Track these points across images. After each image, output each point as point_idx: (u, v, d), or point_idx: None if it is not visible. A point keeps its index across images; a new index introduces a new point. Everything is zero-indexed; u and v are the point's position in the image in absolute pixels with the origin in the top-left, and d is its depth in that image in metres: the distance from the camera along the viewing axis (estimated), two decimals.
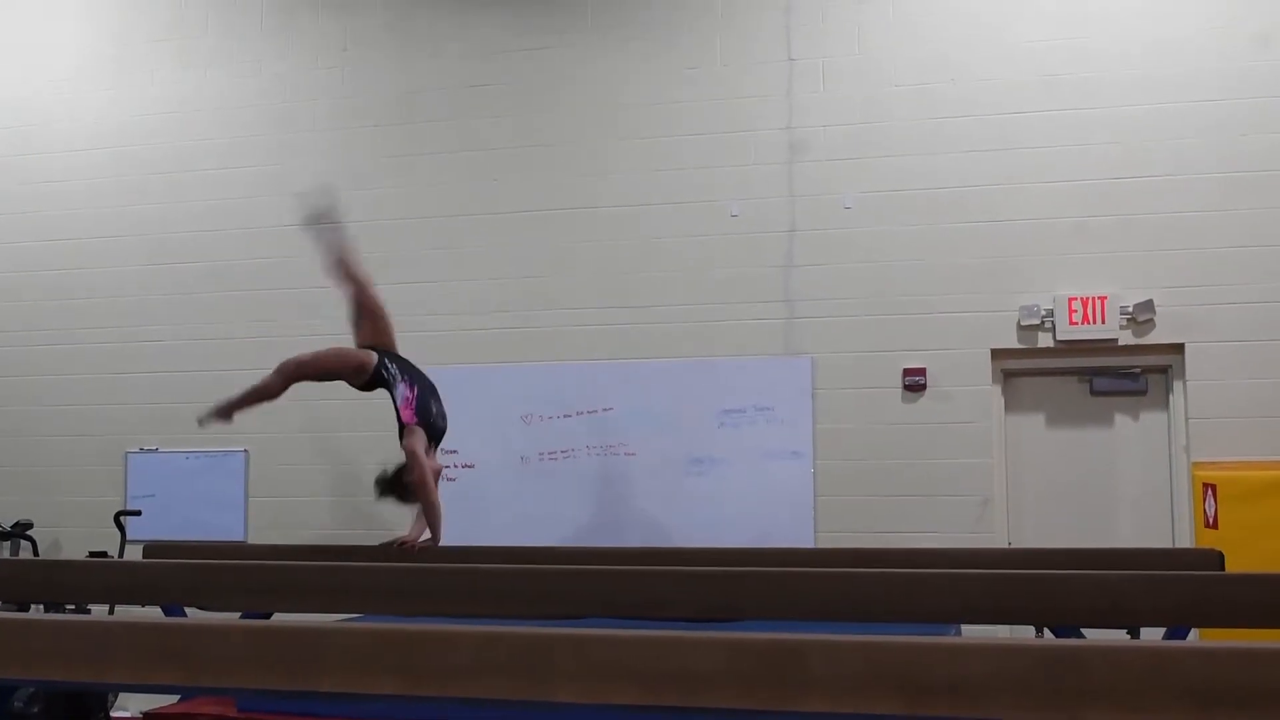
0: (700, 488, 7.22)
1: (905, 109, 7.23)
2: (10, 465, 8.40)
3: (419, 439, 5.20)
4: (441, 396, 5.47)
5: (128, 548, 7.65)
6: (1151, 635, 3.58)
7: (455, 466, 7.38)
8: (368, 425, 7.11)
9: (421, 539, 5.25)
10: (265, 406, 7.91)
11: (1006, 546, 6.64)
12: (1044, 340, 6.97)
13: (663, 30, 7.66)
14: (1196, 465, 6.69)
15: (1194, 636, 4.11)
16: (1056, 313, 6.91)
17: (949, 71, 7.20)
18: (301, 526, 7.56)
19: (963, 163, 7.11)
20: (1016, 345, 7.01)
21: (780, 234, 7.33)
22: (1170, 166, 6.86)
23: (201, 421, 5.60)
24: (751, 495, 7.12)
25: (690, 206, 7.47)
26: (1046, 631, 3.84)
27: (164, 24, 8.50)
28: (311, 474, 7.82)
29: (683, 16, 7.64)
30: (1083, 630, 3.56)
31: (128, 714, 5.86)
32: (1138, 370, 6.99)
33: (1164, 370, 6.96)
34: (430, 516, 5.23)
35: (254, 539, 7.76)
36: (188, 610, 4.07)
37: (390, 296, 7.38)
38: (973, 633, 3.87)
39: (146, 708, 4.26)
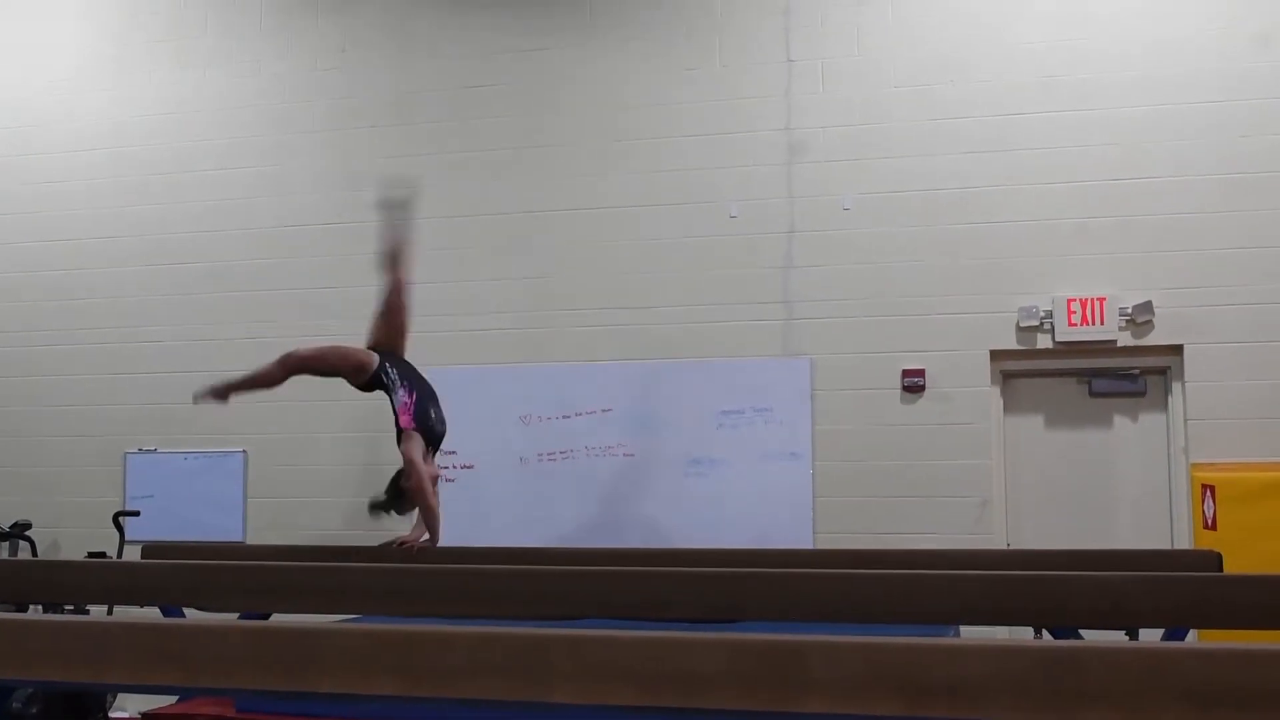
0: (699, 489, 7.22)
1: (904, 110, 7.23)
2: (9, 465, 8.40)
3: (416, 444, 5.20)
4: (441, 397, 5.47)
5: (126, 548, 7.64)
6: (1150, 636, 3.59)
7: (454, 467, 7.38)
8: (366, 426, 7.12)
9: (420, 540, 5.25)
10: (264, 407, 7.97)
11: (1005, 548, 6.64)
12: (1043, 341, 6.97)
13: (662, 31, 7.67)
14: (1195, 466, 6.69)
15: (1192, 638, 4.12)
16: (1055, 314, 6.91)
17: (948, 72, 7.20)
18: (300, 527, 7.55)
19: (962, 164, 7.11)
20: (1015, 346, 7.01)
21: (779, 235, 7.33)
22: (1170, 167, 6.86)
23: (197, 398, 5.61)
24: (750, 496, 7.12)
25: (689, 207, 7.47)
26: (1045, 633, 3.84)
27: (163, 24, 8.50)
28: (310, 475, 7.82)
29: (682, 18, 7.64)
30: (1081, 631, 3.56)
31: (126, 714, 5.87)
32: (1136, 371, 6.99)
33: (1163, 371, 6.96)
34: (428, 520, 5.24)
35: (252, 540, 7.75)
36: (186, 611, 4.07)
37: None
38: (971, 634, 3.86)
39: (145, 708, 4.26)
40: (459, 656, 2.04)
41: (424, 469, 5.17)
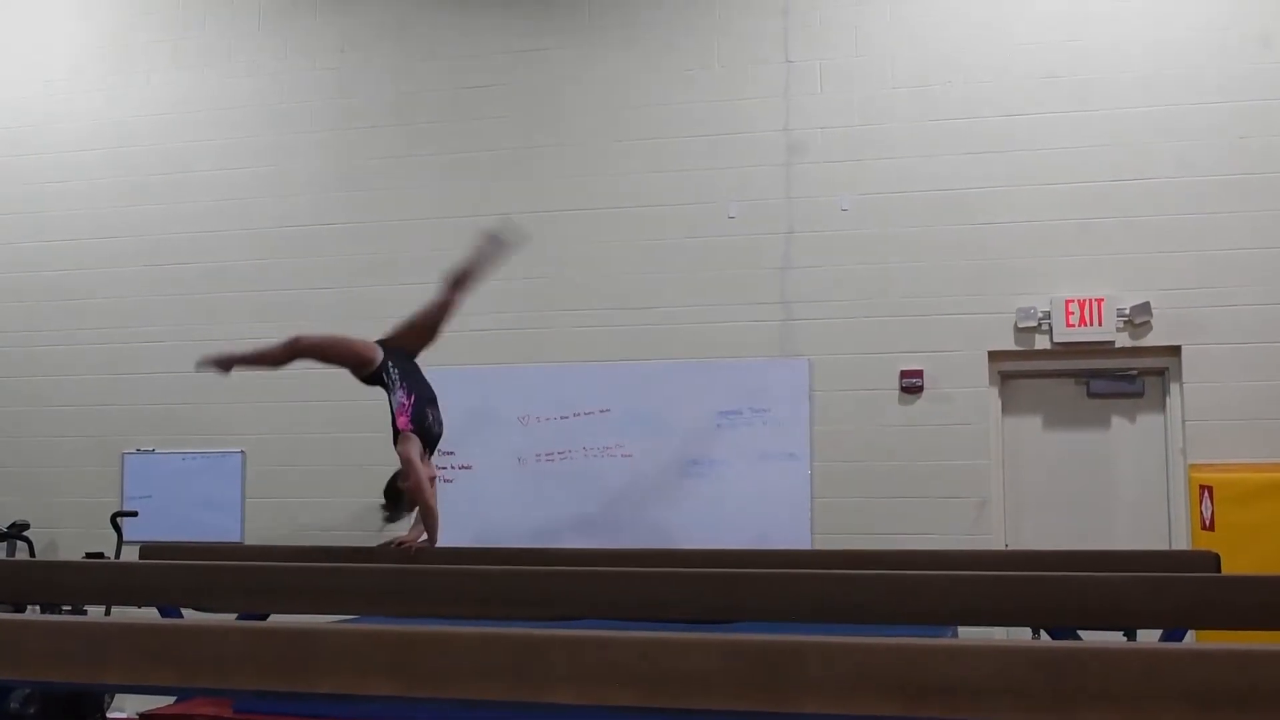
0: (697, 489, 7.22)
1: (903, 110, 7.23)
2: (7, 465, 8.40)
3: (414, 445, 5.20)
4: (440, 397, 5.47)
5: (124, 549, 7.64)
6: (1148, 637, 3.59)
7: (453, 468, 7.38)
8: (365, 427, 7.11)
9: (418, 540, 5.25)
10: (262, 407, 7.99)
11: (1003, 548, 6.64)
12: (1041, 342, 6.97)
13: (661, 32, 7.66)
14: (1193, 467, 6.69)
15: (1190, 638, 4.12)
16: (1054, 315, 6.91)
17: (947, 73, 7.20)
18: (298, 528, 7.56)
19: (960, 164, 7.11)
20: (1014, 347, 7.02)
21: (778, 235, 7.33)
22: (1169, 168, 6.86)
23: (199, 365, 5.62)
24: (748, 497, 7.12)
25: (688, 208, 7.47)
26: (1043, 633, 3.84)
27: (161, 24, 8.50)
28: (308, 475, 7.82)
29: (681, 19, 7.64)
30: (1079, 632, 3.56)
31: (124, 714, 5.87)
32: (1135, 372, 7.00)
33: (1161, 372, 6.96)
34: (426, 520, 5.24)
35: (250, 540, 7.75)
36: (184, 611, 4.06)
37: (388, 297, 7.43)
38: (970, 634, 3.86)
39: (143, 708, 4.26)
40: (457, 657, 2.04)
41: (422, 469, 5.17)
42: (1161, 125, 6.90)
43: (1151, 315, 6.81)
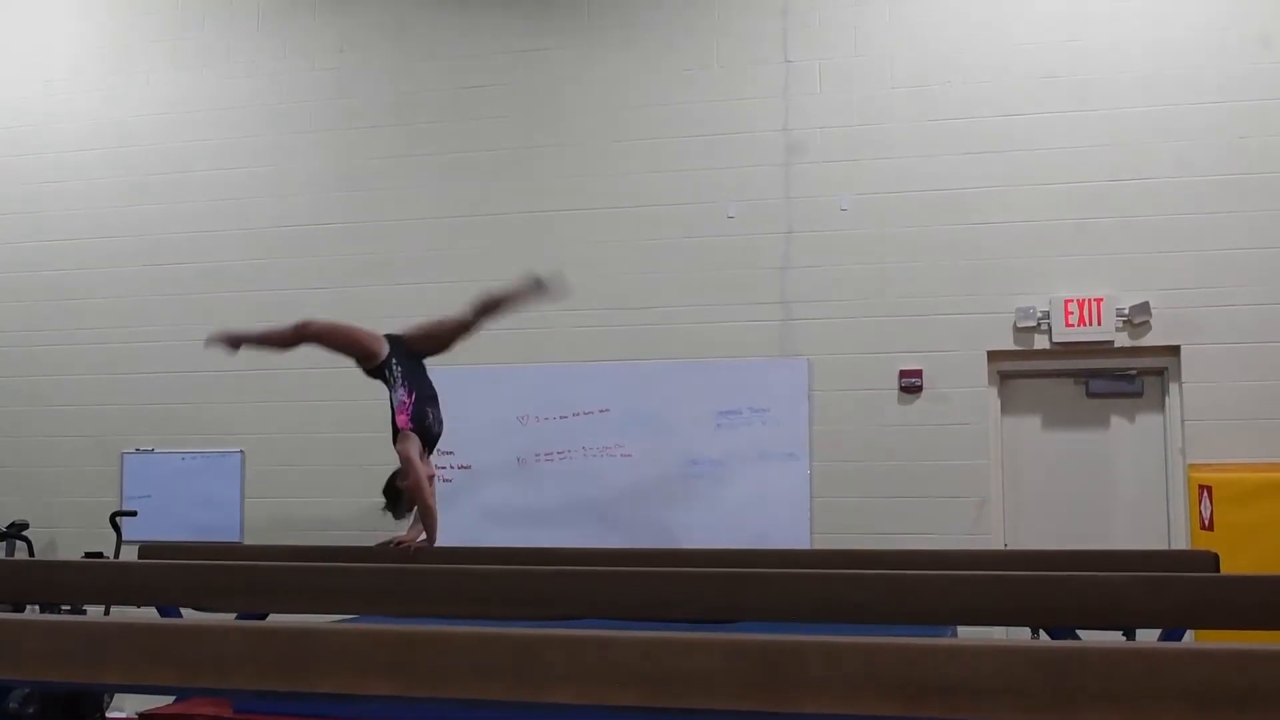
0: (697, 489, 7.22)
1: (902, 110, 7.23)
2: (6, 465, 8.40)
3: (413, 444, 5.20)
4: (439, 396, 5.47)
5: (123, 548, 7.64)
6: (1147, 637, 3.59)
7: (452, 467, 7.38)
8: (364, 426, 7.11)
9: (417, 540, 5.25)
10: (261, 407, 7.99)
11: (1003, 548, 6.64)
12: (1040, 342, 6.97)
13: (660, 32, 7.66)
14: (1192, 467, 6.69)
15: (1189, 638, 4.12)
16: (1053, 314, 6.91)
17: (946, 73, 7.20)
18: (297, 527, 7.55)
19: (959, 164, 7.11)
20: (1013, 347, 7.02)
21: (777, 235, 7.33)
22: (1168, 168, 6.87)
23: (209, 341, 5.63)
24: (748, 497, 7.12)
25: (687, 208, 7.47)
26: (1043, 633, 3.84)
27: (160, 24, 8.50)
28: (307, 475, 7.82)
29: (680, 19, 7.64)
30: (1079, 632, 3.56)
31: (123, 714, 5.87)
32: (1134, 372, 7.00)
33: (1160, 372, 6.96)
34: (426, 519, 5.24)
35: (249, 540, 7.74)
36: (183, 611, 4.06)
37: (386, 297, 7.45)
38: (969, 634, 3.86)
39: (142, 708, 4.26)
40: (456, 657, 2.04)
41: (421, 468, 5.18)
42: (1161, 125, 6.90)
43: (1151, 315, 6.82)
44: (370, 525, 5.71)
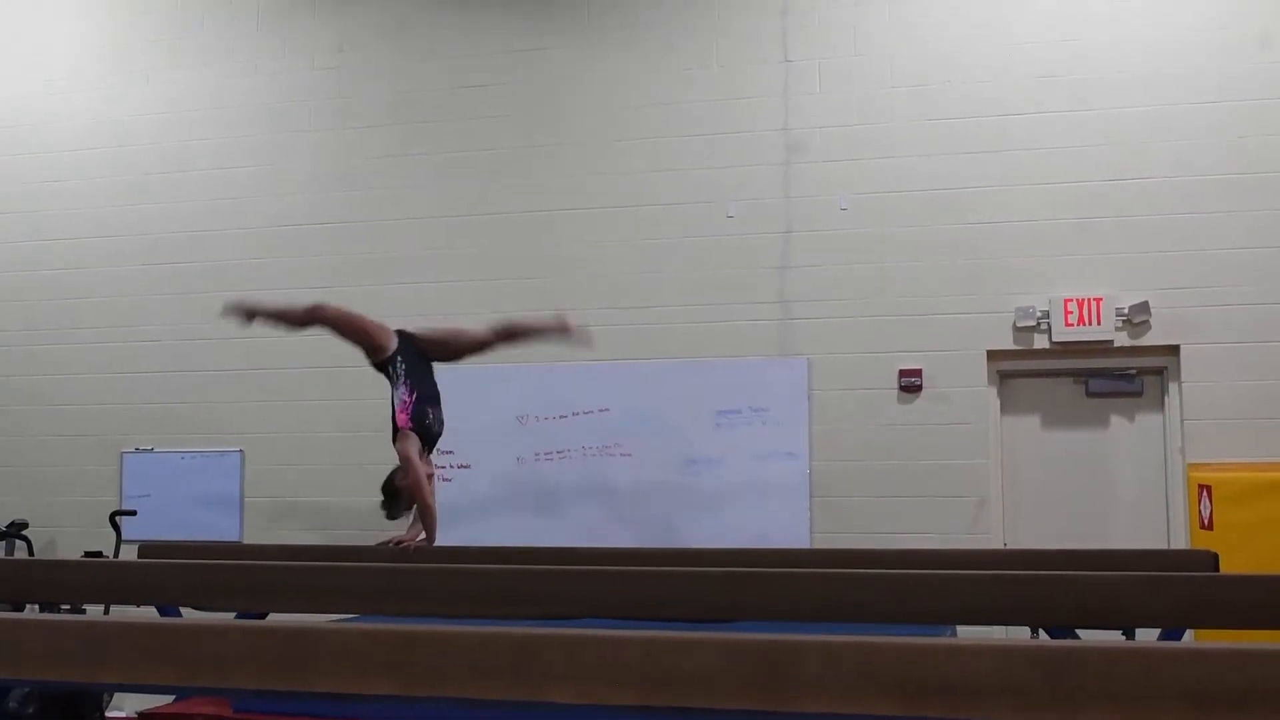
0: (696, 488, 7.22)
1: (902, 110, 7.23)
2: (6, 464, 8.40)
3: (412, 443, 5.20)
4: (441, 397, 5.47)
5: (123, 548, 7.64)
6: (1146, 636, 3.59)
7: (451, 467, 7.38)
8: (363, 426, 7.11)
9: (417, 539, 5.25)
10: (261, 406, 7.98)
11: (1002, 547, 6.65)
12: (1040, 341, 6.98)
13: (660, 32, 7.67)
14: (1192, 466, 6.70)
15: (1189, 637, 4.12)
16: (1052, 314, 6.91)
17: (946, 72, 7.20)
18: (296, 527, 7.56)
19: (959, 164, 7.12)
20: (1012, 346, 7.02)
21: (776, 235, 7.34)
22: (1168, 168, 6.87)
23: (226, 309, 5.67)
24: (747, 496, 7.12)
25: (687, 207, 7.47)
26: (1042, 632, 3.84)
27: (159, 24, 8.50)
28: (306, 474, 7.82)
29: (680, 19, 7.64)
30: (1078, 631, 3.56)
31: (123, 714, 5.86)
32: (1133, 372, 7.00)
33: (1159, 372, 6.96)
34: (425, 518, 5.25)
35: (249, 539, 7.75)
36: (183, 610, 4.06)
37: (385, 297, 7.43)
38: (968, 634, 3.86)
39: (142, 708, 4.26)
40: (455, 656, 2.04)
41: (420, 467, 5.18)
42: (1160, 125, 6.90)
43: (1150, 315, 6.82)
44: (370, 524, 5.71)
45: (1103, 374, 7.02)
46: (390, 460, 5.41)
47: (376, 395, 5.59)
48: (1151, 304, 6.81)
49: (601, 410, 7.40)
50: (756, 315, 7.31)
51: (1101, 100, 6.98)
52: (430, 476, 5.42)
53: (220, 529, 7.89)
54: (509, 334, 5.71)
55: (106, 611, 5.85)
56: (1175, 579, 3.66)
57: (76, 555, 7.56)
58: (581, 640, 2.01)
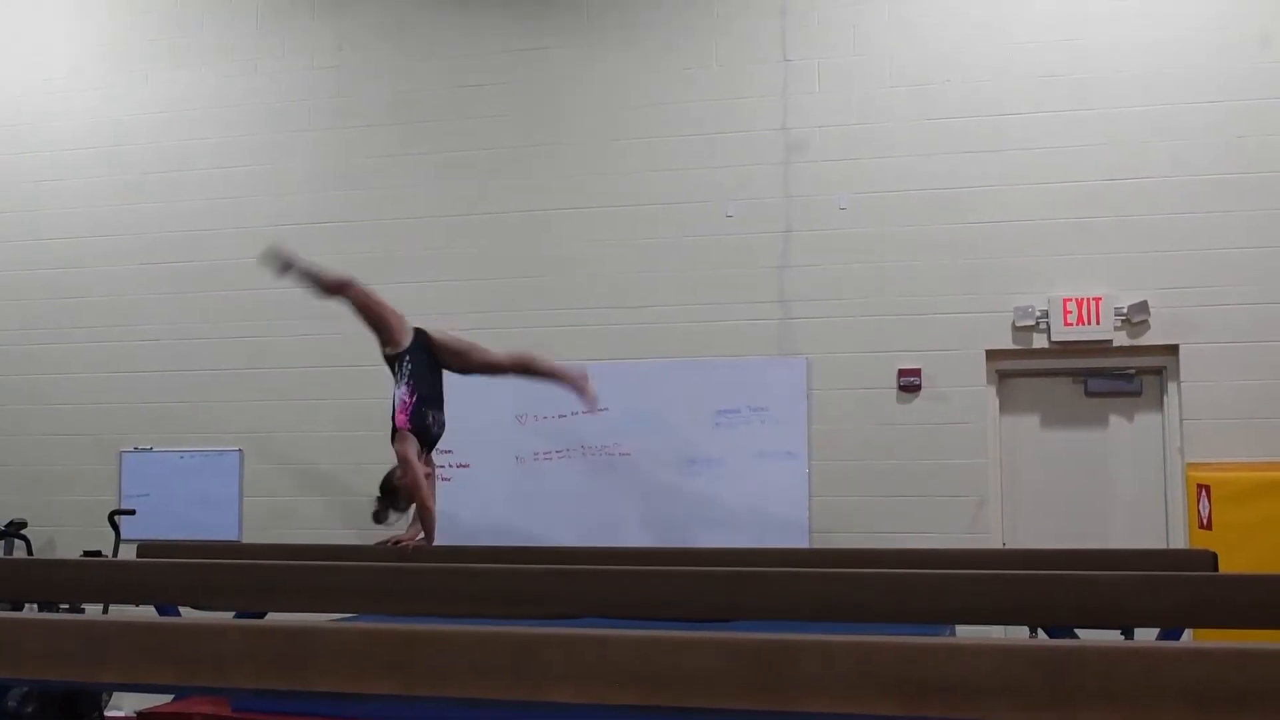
0: (695, 488, 7.21)
1: (901, 109, 7.23)
2: (5, 464, 8.39)
3: (411, 444, 5.20)
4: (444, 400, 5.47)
5: (122, 547, 7.64)
6: (1146, 636, 3.59)
7: (450, 466, 7.37)
8: (362, 425, 7.12)
9: (416, 539, 5.25)
10: (260, 406, 7.98)
11: (1001, 547, 6.65)
12: (1039, 341, 6.98)
13: (660, 32, 7.66)
14: (1191, 466, 6.70)
15: (1188, 637, 4.12)
16: (1051, 314, 6.91)
17: (945, 72, 7.20)
18: (295, 526, 7.55)
19: (958, 163, 7.11)
20: (1011, 346, 7.02)
21: (776, 234, 7.33)
22: (1167, 167, 6.87)
23: (262, 256, 5.64)
24: (746, 495, 7.12)
25: (686, 207, 7.47)
26: (1041, 632, 3.84)
27: (158, 23, 8.49)
28: (305, 474, 7.82)
29: (680, 18, 7.64)
30: (1077, 631, 3.56)
31: (122, 713, 5.86)
32: (1132, 371, 7.00)
33: (1159, 371, 6.96)
34: (424, 518, 5.24)
35: (248, 538, 7.75)
36: (182, 610, 4.06)
37: (385, 296, 7.41)
38: (968, 633, 3.87)
39: (141, 707, 4.26)
40: (455, 656, 2.04)
41: (418, 467, 5.17)
42: (1159, 124, 6.90)
43: (1149, 314, 6.82)
44: (368, 524, 5.69)
45: (1102, 374, 7.02)
46: (390, 459, 5.41)
47: (375, 395, 5.60)
48: (1150, 304, 6.81)
49: (601, 410, 7.38)
50: (756, 315, 7.31)
51: (1101, 100, 6.98)
52: (430, 477, 5.42)
53: (219, 528, 7.88)
54: (525, 368, 5.72)
55: (105, 611, 5.84)
56: (1174, 579, 3.67)
57: (75, 554, 7.56)
58: (581, 640, 2.01)
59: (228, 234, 8.13)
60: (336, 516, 7.52)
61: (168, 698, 4.11)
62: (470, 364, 5.61)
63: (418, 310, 7.44)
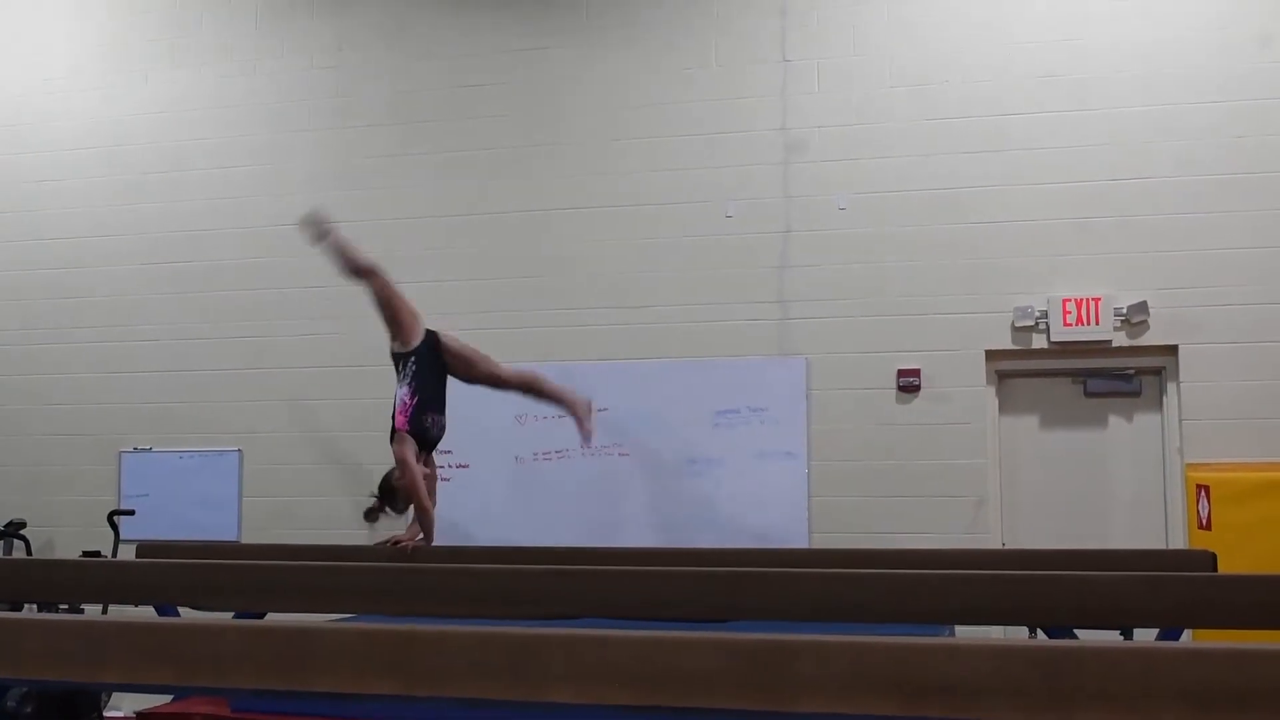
0: (695, 488, 7.21)
1: (900, 110, 7.23)
2: (4, 464, 8.39)
3: (409, 445, 5.19)
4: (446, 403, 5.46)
5: (121, 547, 7.64)
6: (1145, 636, 3.59)
7: (450, 466, 7.37)
8: (362, 425, 7.12)
9: (415, 539, 5.24)
10: (259, 406, 7.97)
11: (1001, 547, 6.65)
12: (1038, 341, 6.98)
13: (660, 31, 7.66)
14: (1190, 466, 6.70)
15: (1187, 637, 4.12)
16: (1051, 314, 6.91)
17: (944, 72, 7.20)
18: (295, 526, 7.55)
19: (957, 163, 7.12)
20: (1011, 346, 7.02)
21: (775, 234, 7.33)
22: (1167, 168, 6.87)
23: (302, 220, 5.65)
24: (746, 496, 7.12)
25: (685, 207, 7.47)
26: (1040, 632, 3.84)
27: (159, 23, 8.49)
28: (304, 474, 7.81)
29: (679, 18, 7.64)
30: (1076, 631, 3.56)
31: (121, 713, 5.86)
32: (1132, 372, 7.00)
33: (1158, 372, 6.96)
34: (422, 519, 5.23)
35: (247, 539, 7.74)
36: (181, 610, 4.06)
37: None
38: (967, 634, 3.87)
39: (140, 707, 4.26)
40: (454, 656, 2.04)
41: (416, 468, 5.16)
42: (1159, 125, 6.90)
43: (1149, 315, 6.82)
44: (367, 525, 5.69)
45: (1101, 374, 7.02)
46: (387, 460, 5.40)
47: (374, 395, 5.59)
48: (1150, 304, 6.81)
49: (600, 410, 7.36)
50: (755, 315, 7.31)
51: (1101, 100, 6.98)
52: (430, 478, 5.41)
53: (218, 529, 7.88)
54: (530, 388, 5.71)
55: (105, 611, 5.84)
56: (1173, 579, 3.67)
57: (74, 555, 7.56)
58: (580, 640, 2.01)
59: (228, 234, 8.14)
60: (335, 517, 7.52)
61: (167, 698, 4.11)
62: (476, 374, 5.59)
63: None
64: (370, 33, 8.12)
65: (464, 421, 6.52)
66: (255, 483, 7.95)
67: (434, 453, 5.59)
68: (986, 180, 7.07)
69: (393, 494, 5.32)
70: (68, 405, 8.33)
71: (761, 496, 7.10)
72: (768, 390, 7.22)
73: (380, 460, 5.53)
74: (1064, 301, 6.89)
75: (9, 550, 7.97)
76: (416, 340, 5.39)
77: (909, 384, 7.07)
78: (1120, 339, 6.88)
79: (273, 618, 3.84)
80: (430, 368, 5.38)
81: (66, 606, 5.96)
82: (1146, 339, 6.85)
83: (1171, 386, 6.89)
